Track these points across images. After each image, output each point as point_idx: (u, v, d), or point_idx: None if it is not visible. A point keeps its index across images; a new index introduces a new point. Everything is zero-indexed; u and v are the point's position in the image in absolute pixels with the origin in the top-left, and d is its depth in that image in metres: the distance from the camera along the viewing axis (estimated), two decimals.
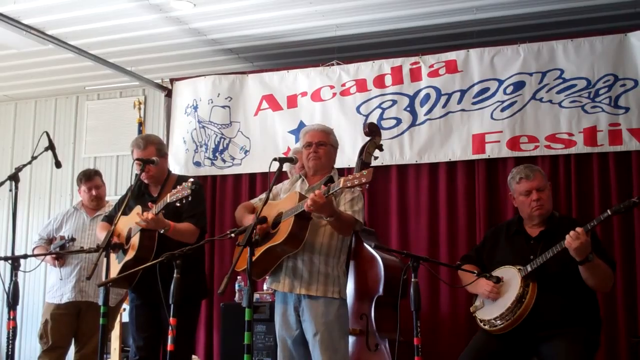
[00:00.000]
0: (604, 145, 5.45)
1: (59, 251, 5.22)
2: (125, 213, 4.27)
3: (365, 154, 5.00)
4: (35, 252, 5.39)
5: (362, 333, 4.64)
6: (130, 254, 4.07)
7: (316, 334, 3.71)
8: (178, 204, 3.75)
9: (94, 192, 5.48)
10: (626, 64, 5.47)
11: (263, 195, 4.19)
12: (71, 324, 5.31)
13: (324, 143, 3.95)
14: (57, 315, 5.27)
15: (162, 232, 4.00)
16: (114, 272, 4.15)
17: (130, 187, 4.40)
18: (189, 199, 3.68)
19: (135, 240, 4.10)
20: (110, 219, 4.53)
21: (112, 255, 4.28)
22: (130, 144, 4.44)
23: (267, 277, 3.97)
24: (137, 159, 4.24)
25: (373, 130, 5.05)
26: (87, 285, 5.21)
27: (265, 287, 5.77)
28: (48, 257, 5.28)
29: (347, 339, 3.89)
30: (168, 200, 3.79)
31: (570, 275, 3.72)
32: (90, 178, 5.52)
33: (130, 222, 4.23)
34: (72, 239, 5.31)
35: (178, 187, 3.74)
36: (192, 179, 3.71)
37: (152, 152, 4.30)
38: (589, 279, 3.69)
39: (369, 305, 4.68)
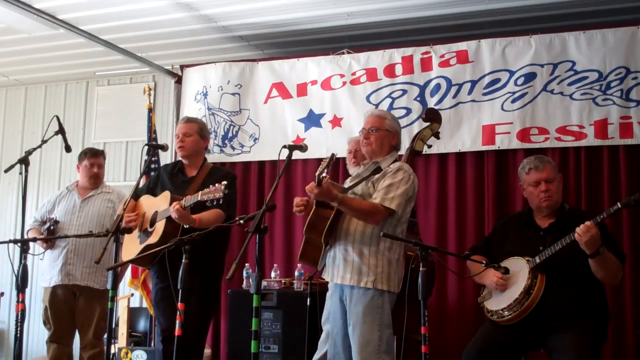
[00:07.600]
0: (615, 138, 5.43)
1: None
2: (154, 193, 4.35)
3: (417, 141, 4.66)
4: (29, 234, 5.18)
5: None
6: (154, 239, 4.13)
7: (349, 324, 3.68)
8: (208, 204, 3.85)
9: (95, 169, 5.34)
10: (638, 56, 5.44)
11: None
12: (69, 308, 5.16)
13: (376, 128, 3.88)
14: (54, 301, 5.15)
15: (186, 227, 4.03)
16: (132, 252, 4.22)
17: (158, 170, 4.45)
18: (220, 202, 3.77)
19: (160, 226, 4.15)
20: (137, 197, 4.54)
21: (134, 234, 4.34)
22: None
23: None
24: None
25: (431, 117, 4.69)
26: (73, 268, 5.10)
27: (272, 275, 5.80)
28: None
29: (385, 331, 3.65)
30: (199, 198, 3.86)
31: (578, 268, 3.72)
32: (96, 154, 5.40)
33: (156, 205, 4.28)
34: (56, 222, 5.16)
35: (211, 187, 3.79)
36: (225, 182, 3.77)
37: (193, 128, 4.48)
38: (598, 271, 3.68)
39: None
